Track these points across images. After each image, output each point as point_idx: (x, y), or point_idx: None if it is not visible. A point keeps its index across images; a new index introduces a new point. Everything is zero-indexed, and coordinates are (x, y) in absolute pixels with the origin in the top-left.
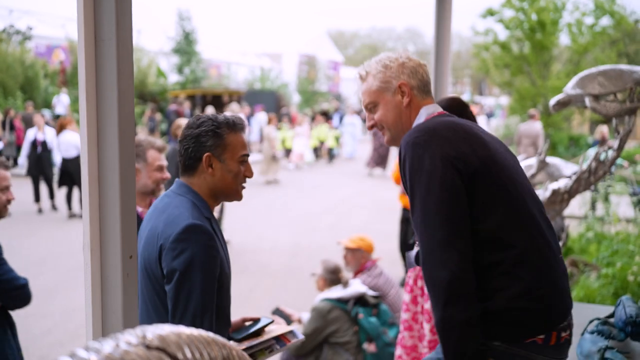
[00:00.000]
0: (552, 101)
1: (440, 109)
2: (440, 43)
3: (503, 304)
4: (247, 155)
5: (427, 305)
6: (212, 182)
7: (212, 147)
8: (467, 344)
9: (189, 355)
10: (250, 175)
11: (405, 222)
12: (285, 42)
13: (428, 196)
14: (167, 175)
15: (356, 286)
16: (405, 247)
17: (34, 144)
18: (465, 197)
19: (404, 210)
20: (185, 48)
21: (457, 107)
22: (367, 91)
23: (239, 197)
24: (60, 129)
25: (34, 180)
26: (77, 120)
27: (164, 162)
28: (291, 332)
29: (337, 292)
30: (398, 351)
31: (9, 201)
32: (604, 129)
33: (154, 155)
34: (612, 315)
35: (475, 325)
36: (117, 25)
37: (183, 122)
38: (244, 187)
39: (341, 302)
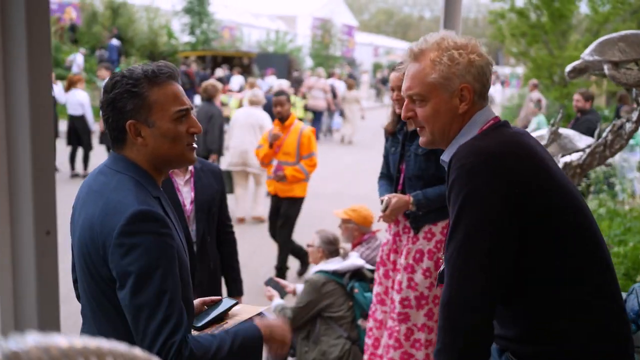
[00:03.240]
0: (568, 68)
1: (493, 114)
2: (449, 8)
3: (578, 347)
4: (186, 110)
5: (399, 277)
6: (147, 152)
7: (133, 112)
8: None
9: None
10: (197, 130)
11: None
12: (300, 5)
13: (476, 237)
14: None
15: (353, 259)
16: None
17: None
18: (514, 244)
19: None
20: (197, 8)
21: None
22: (419, 79)
23: (189, 161)
24: (69, 86)
25: None
26: (88, 79)
27: None
28: (260, 314)
29: (333, 264)
30: (370, 323)
31: None
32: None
33: None
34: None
35: None
36: None
37: (213, 81)
38: (193, 148)
39: (337, 275)
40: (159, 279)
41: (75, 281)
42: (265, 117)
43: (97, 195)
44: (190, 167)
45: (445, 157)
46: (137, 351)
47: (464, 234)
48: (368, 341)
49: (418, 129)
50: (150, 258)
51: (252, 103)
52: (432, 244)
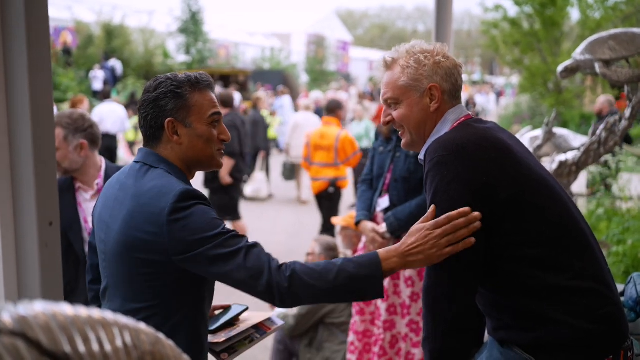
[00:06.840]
0: (560, 67)
1: (466, 112)
2: (441, 21)
3: (567, 331)
4: (219, 115)
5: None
6: (181, 151)
7: (173, 111)
8: None
9: (62, 341)
10: (227, 138)
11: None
12: (294, 22)
13: None
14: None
15: None
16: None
17: None
18: (483, 231)
19: None
20: (192, 28)
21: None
22: (392, 84)
23: (217, 164)
24: (72, 107)
25: None
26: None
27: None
28: (269, 319)
29: None
30: (350, 337)
31: None
32: (601, 99)
33: None
34: (622, 294)
35: None
36: None
37: (259, 94)
38: (221, 153)
39: None
40: (225, 229)
41: (91, 282)
42: (317, 120)
43: (134, 188)
44: (98, 181)
45: (421, 155)
46: (141, 325)
47: None
48: (352, 357)
49: (400, 131)
50: (209, 218)
51: (308, 109)
52: None
